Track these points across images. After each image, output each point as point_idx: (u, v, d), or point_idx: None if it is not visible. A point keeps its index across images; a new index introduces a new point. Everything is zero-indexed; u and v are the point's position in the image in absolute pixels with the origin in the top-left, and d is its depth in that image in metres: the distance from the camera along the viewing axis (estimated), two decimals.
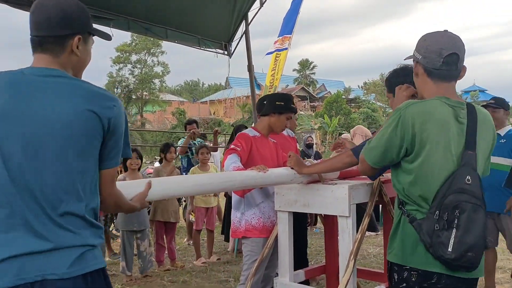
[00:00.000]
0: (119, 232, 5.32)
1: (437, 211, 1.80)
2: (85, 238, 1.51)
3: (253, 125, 4.13)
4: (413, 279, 1.90)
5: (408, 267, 1.92)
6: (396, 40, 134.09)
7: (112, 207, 1.73)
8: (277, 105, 3.39)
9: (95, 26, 1.70)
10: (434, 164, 1.85)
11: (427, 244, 1.82)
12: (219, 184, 2.56)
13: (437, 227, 1.79)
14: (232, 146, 3.20)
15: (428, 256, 1.85)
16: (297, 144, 4.26)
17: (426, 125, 1.84)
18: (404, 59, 2.15)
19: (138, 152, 5.16)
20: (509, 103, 4.19)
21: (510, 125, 4.10)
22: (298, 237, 3.71)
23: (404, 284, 1.93)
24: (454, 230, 1.77)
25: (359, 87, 50.88)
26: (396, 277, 1.98)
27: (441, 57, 1.88)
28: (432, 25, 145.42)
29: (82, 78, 1.65)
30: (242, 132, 3.46)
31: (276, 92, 4.17)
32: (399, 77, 2.52)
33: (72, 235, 1.49)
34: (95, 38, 1.71)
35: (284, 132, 3.96)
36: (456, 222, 1.77)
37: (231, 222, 3.44)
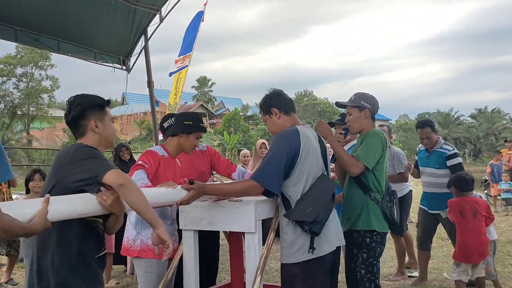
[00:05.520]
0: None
1: (387, 196, 3.11)
2: None
3: (153, 143, 3.95)
4: (378, 239, 3.07)
5: (376, 232, 3.06)
6: (291, 59, 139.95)
7: (2, 235, 1.53)
8: (186, 125, 3.31)
9: None
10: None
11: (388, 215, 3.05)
12: None
13: (389, 205, 3.07)
14: (140, 162, 3.08)
15: (385, 223, 3.09)
16: (218, 155, 4.01)
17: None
18: (337, 104, 3.44)
19: (42, 173, 4.50)
20: None
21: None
22: (209, 255, 3.66)
23: (374, 244, 3.06)
24: (394, 206, 3.10)
25: (256, 104, 52.19)
26: (368, 240, 3.05)
27: (377, 108, 3.31)
28: (326, 47, 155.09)
29: None
30: (150, 149, 3.33)
31: (182, 111, 4.06)
32: (272, 99, 2.91)
33: None
34: None
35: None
36: (394, 201, 3.12)
37: (125, 238, 3.25)
